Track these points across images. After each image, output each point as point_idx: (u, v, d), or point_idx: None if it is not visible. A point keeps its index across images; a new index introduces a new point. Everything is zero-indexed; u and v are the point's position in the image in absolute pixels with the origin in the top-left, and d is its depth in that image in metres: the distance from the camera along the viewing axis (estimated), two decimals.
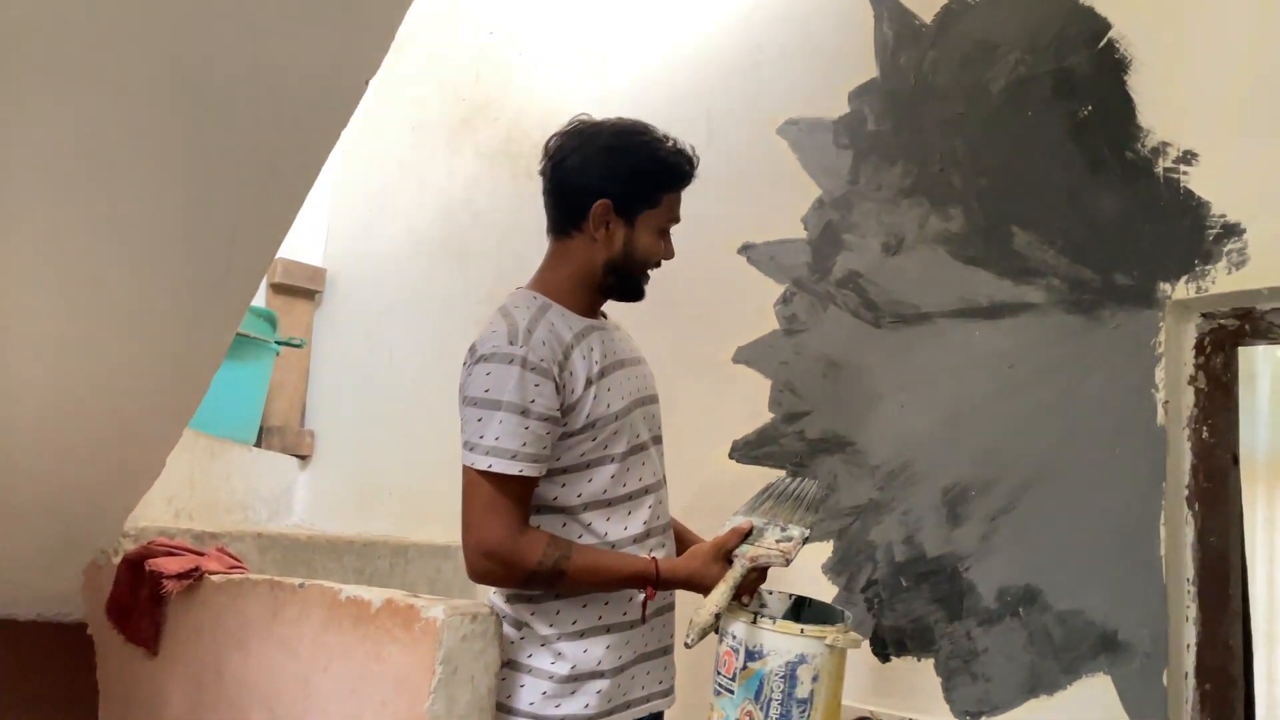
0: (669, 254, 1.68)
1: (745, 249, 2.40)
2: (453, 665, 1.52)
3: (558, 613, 1.58)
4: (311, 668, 1.71)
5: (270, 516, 3.08)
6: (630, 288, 1.68)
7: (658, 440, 1.73)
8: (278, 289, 3.36)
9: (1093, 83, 1.93)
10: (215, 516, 2.76)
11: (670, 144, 1.63)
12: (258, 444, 3.18)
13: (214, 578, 1.97)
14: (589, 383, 1.57)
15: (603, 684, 1.57)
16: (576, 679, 1.56)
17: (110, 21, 1.43)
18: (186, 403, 2.06)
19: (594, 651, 1.57)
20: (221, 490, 2.86)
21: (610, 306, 1.75)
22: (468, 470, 1.53)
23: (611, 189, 1.60)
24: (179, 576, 1.97)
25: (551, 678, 1.56)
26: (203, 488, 2.75)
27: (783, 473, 2.23)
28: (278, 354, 3.19)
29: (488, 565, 1.51)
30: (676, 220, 1.68)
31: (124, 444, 2.03)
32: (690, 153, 1.65)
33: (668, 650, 1.69)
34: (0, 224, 1.58)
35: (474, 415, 1.53)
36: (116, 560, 2.13)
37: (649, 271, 1.68)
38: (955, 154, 2.10)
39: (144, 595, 2.03)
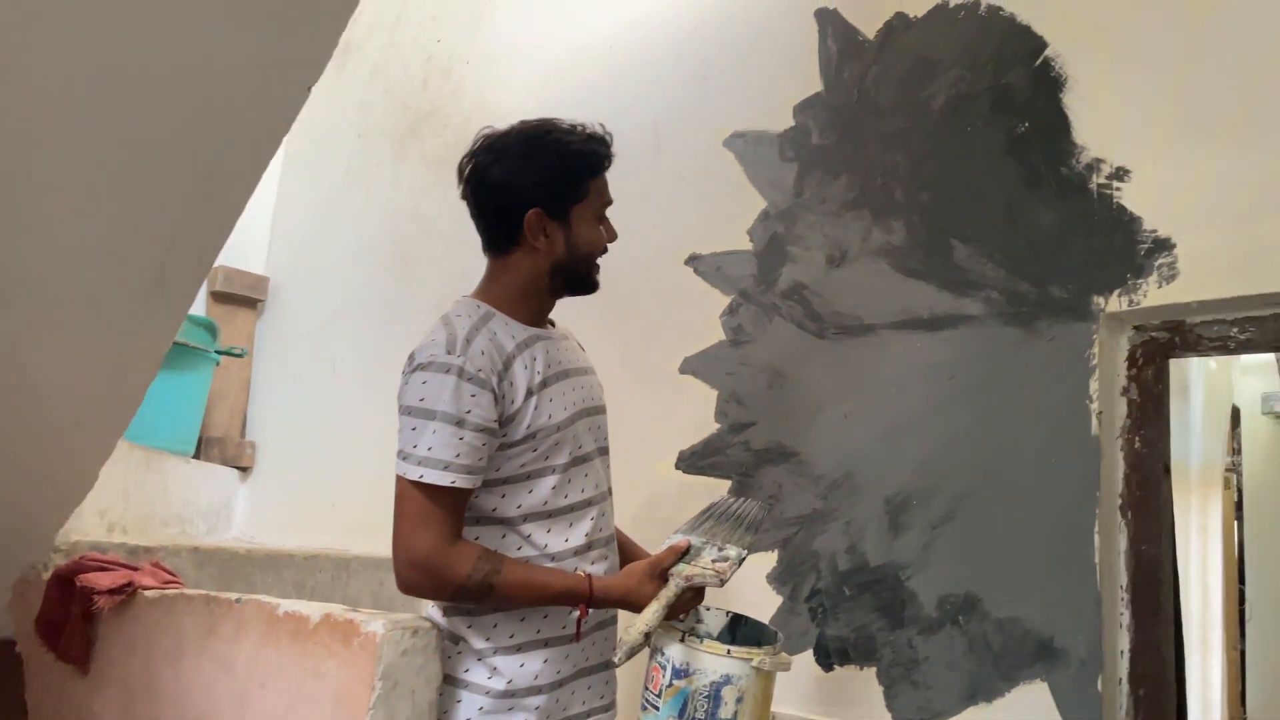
0: (612, 236, 1.68)
1: (692, 260, 2.41)
2: (392, 680, 1.50)
3: (495, 626, 1.55)
4: (248, 685, 1.67)
5: (209, 530, 3.02)
6: (582, 282, 1.68)
7: (604, 451, 1.71)
8: (219, 297, 3.30)
9: (1030, 100, 1.97)
10: (151, 530, 2.70)
11: (581, 132, 1.62)
12: (196, 455, 3.11)
13: (147, 593, 1.92)
14: (530, 393, 1.56)
15: (540, 700, 1.55)
16: (513, 695, 1.54)
17: (36, 18, 1.40)
18: (121, 413, 2.01)
19: (531, 666, 1.55)
20: (158, 503, 2.80)
21: (561, 315, 1.74)
22: (400, 480, 1.50)
23: (538, 195, 1.58)
24: (111, 592, 1.92)
25: (488, 693, 1.54)
26: (138, 501, 2.69)
27: (726, 488, 2.25)
28: (218, 364, 3.13)
29: (416, 577, 1.48)
30: (609, 202, 1.67)
31: (54, 456, 1.98)
32: (602, 132, 1.64)
33: (608, 664, 1.67)
34: None
35: (409, 424, 1.50)
36: (46, 576, 2.07)
37: (597, 261, 1.68)
38: (897, 168, 2.13)
39: (75, 612, 1.98)
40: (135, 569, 2.01)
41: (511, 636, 1.55)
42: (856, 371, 2.11)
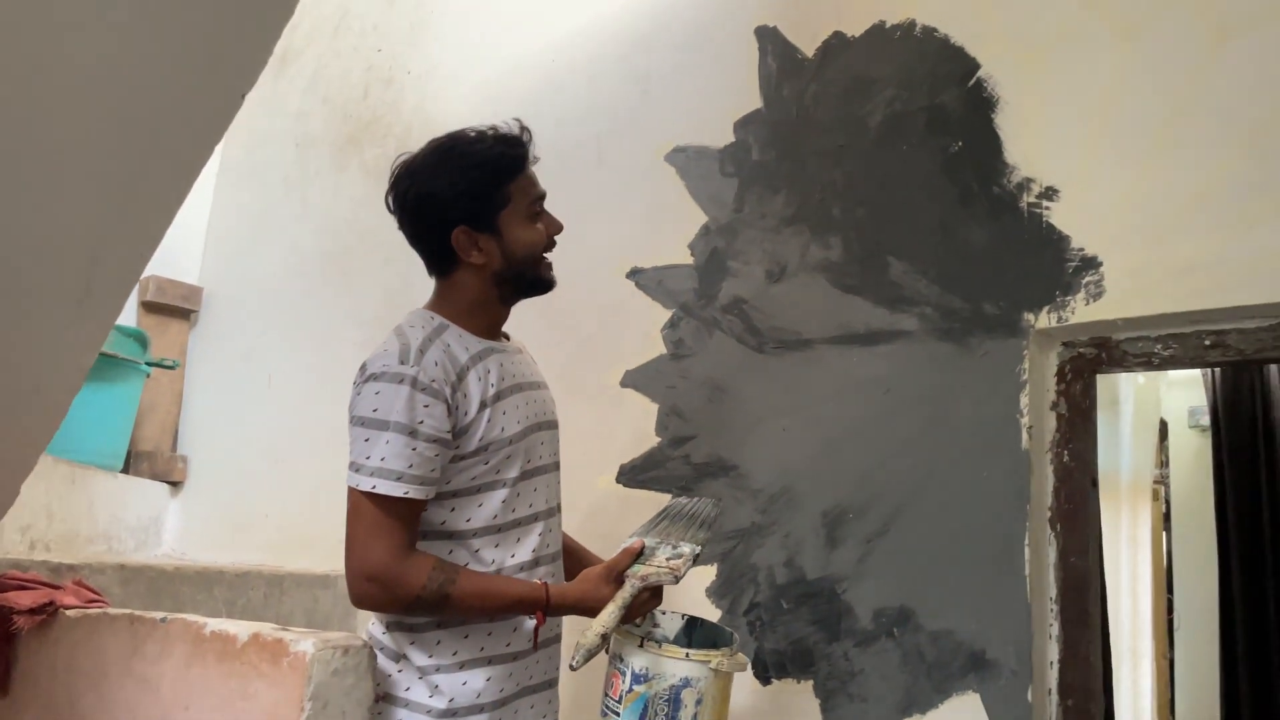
0: (555, 228, 1.65)
1: (634, 273, 2.41)
2: (322, 700, 1.47)
3: (438, 643, 1.54)
4: (173, 706, 1.62)
5: (137, 546, 2.93)
6: (530, 284, 1.65)
7: (555, 467, 1.70)
8: (150, 308, 3.22)
9: (963, 119, 2.01)
10: (76, 547, 2.61)
11: (488, 137, 1.60)
12: (125, 470, 3.02)
13: (69, 613, 1.86)
14: (483, 405, 1.55)
15: (482, 718, 1.53)
16: (455, 713, 1.51)
17: None
18: (42, 427, 1.94)
19: (474, 684, 1.53)
20: (83, 519, 2.71)
21: (512, 328, 1.73)
22: (352, 491, 1.48)
23: (457, 213, 1.57)
24: (31, 612, 1.86)
25: (429, 712, 1.51)
26: (61, 517, 2.60)
27: (670, 496, 2.24)
28: (148, 375, 3.05)
29: (370, 589, 1.47)
30: (539, 197, 1.63)
31: None
32: (516, 129, 1.62)
33: (553, 683, 1.66)
34: None
35: (361, 435, 1.49)
36: None
37: (545, 256, 1.65)
38: (835, 184, 2.16)
39: None
40: (57, 588, 1.94)
41: (455, 654, 1.54)
42: (795, 386, 2.13)
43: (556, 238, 1.65)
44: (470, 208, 1.57)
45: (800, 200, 2.20)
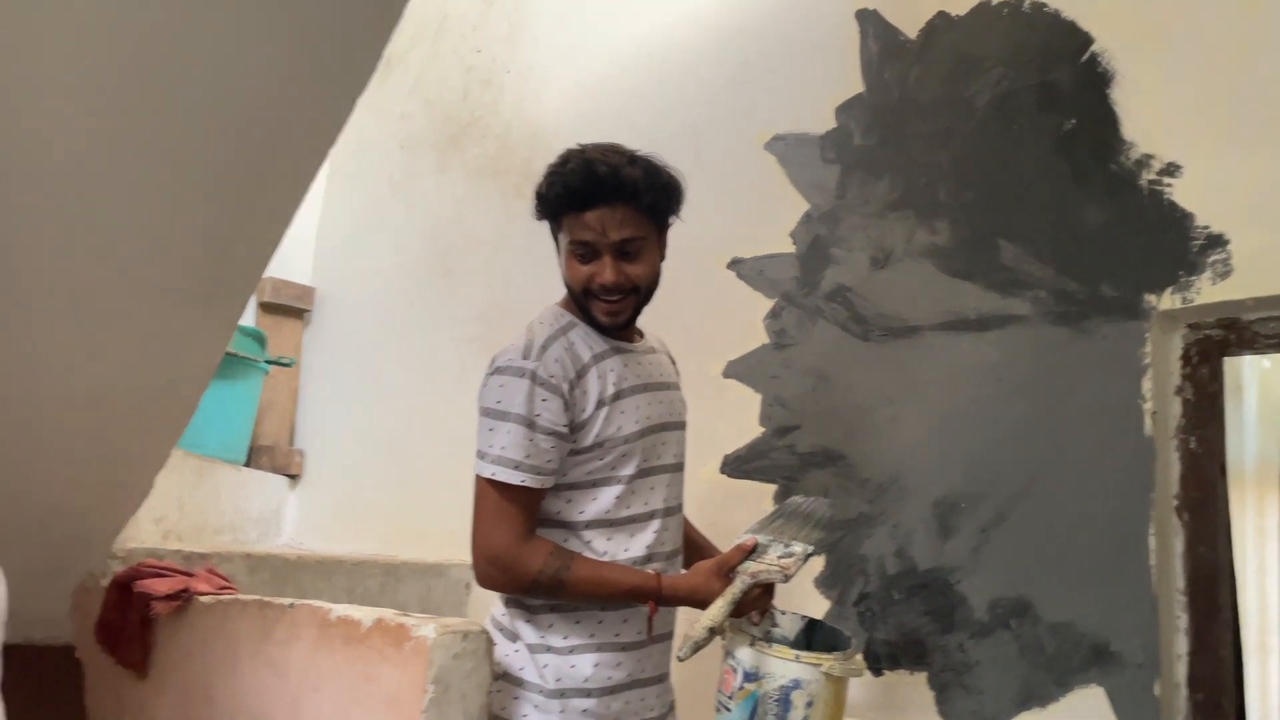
0: (590, 279, 1.58)
1: (734, 263, 2.41)
2: (444, 684, 1.51)
3: (550, 626, 1.59)
4: (302, 688, 1.69)
5: (259, 536, 3.06)
6: (587, 315, 1.63)
7: (678, 467, 1.71)
8: (267, 308, 3.36)
9: (1076, 97, 1.95)
10: (204, 537, 2.74)
11: (567, 167, 1.56)
12: (247, 463, 3.16)
13: (203, 599, 1.95)
14: (600, 404, 1.58)
15: (589, 703, 1.56)
16: (563, 694, 1.56)
17: (88, 37, 1.43)
18: (175, 423, 2.05)
19: (581, 669, 1.57)
20: (210, 511, 2.84)
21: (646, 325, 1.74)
22: (478, 478, 1.56)
23: (538, 211, 1.64)
24: (167, 598, 1.96)
25: (540, 690, 1.57)
26: (191, 508, 2.73)
27: (771, 493, 2.24)
28: (267, 373, 3.18)
29: (490, 571, 1.55)
30: (587, 243, 1.56)
31: (111, 465, 2.02)
32: (585, 173, 1.54)
33: (664, 678, 1.69)
34: None
35: (486, 425, 1.56)
36: (105, 583, 2.11)
37: (602, 298, 1.59)
38: (941, 167, 2.11)
39: (132, 617, 2.02)
40: (190, 575, 2.05)
41: (565, 638, 1.58)
42: (902, 373, 2.09)
43: (607, 287, 1.58)
44: (546, 217, 1.64)
45: (905, 185, 2.16)
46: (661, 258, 1.66)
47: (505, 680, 1.59)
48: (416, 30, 3.47)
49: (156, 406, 1.98)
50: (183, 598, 1.96)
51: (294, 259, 3.43)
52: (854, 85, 2.28)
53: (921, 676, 1.96)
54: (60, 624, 2.22)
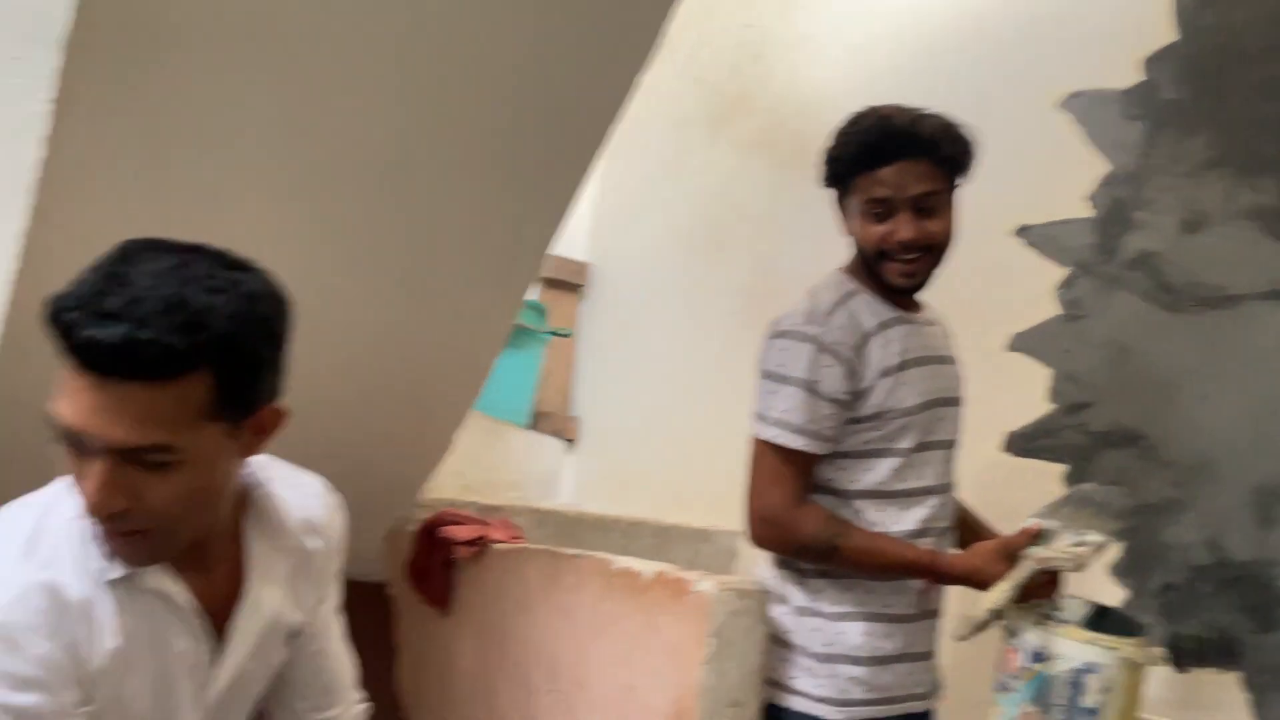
0: (885, 238, 1.55)
1: (1023, 230, 2.28)
2: (724, 639, 1.56)
3: (820, 591, 1.59)
4: (588, 632, 1.80)
5: (541, 495, 3.27)
6: (880, 279, 1.60)
7: (953, 444, 1.67)
8: (548, 283, 3.55)
9: None
10: (495, 492, 2.96)
11: (862, 124, 1.55)
12: (531, 427, 3.38)
13: (498, 546, 2.12)
14: (885, 374, 1.56)
15: (859, 670, 1.56)
16: (832, 659, 1.56)
17: (419, 41, 1.59)
18: (472, 386, 2.23)
19: (850, 636, 1.57)
20: (499, 468, 3.07)
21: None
22: (756, 440, 1.57)
23: (831, 180, 1.61)
24: (468, 544, 2.14)
25: (811, 654, 1.58)
26: (483, 465, 2.96)
27: (1059, 472, 2.11)
28: (547, 343, 3.38)
29: (764, 531, 1.57)
30: (883, 199, 1.53)
31: (420, 424, 2.22)
32: (882, 128, 1.52)
33: (930, 655, 1.65)
34: (319, 223, 1.78)
35: (766, 388, 1.57)
36: (412, 528, 2.33)
37: (897, 259, 1.56)
38: (1269, 120, 1.89)
39: (437, 560, 2.22)
40: (487, 524, 2.22)
41: (835, 604, 1.58)
42: (1217, 347, 1.91)
43: (905, 244, 1.54)
44: (834, 182, 1.61)
45: (1225, 141, 1.95)
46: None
47: (774, 642, 1.61)
48: (688, 10, 3.53)
49: (459, 372, 2.16)
50: (481, 544, 2.13)
51: (572, 236, 3.60)
52: (1162, 35, 2.09)
53: (1233, 677, 1.79)
54: (373, 563, 2.46)
